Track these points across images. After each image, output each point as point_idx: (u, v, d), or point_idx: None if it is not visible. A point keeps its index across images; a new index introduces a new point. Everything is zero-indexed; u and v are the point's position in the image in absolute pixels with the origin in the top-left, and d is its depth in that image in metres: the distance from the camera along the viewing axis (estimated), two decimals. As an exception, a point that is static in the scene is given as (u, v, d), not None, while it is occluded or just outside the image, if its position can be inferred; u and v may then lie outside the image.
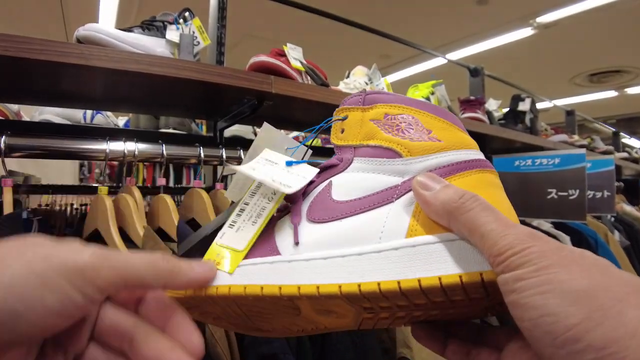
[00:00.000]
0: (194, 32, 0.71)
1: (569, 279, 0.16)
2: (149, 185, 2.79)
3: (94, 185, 1.47)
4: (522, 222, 1.09)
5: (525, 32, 3.29)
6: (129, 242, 0.56)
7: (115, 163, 1.73)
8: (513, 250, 0.18)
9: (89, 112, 1.07)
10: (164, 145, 0.61)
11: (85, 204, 1.04)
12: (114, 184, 2.23)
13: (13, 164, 1.38)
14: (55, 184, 1.33)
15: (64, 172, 2.25)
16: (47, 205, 1.40)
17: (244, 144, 1.07)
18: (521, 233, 0.19)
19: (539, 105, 1.62)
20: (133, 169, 0.62)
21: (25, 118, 1.19)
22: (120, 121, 1.27)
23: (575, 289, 0.16)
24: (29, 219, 1.10)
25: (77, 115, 1.04)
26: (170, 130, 1.17)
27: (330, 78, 1.07)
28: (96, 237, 0.59)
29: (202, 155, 0.64)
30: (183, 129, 1.24)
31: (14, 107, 1.10)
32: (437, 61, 3.75)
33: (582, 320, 0.15)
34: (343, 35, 2.53)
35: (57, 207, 1.27)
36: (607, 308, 0.15)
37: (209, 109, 0.85)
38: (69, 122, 1.02)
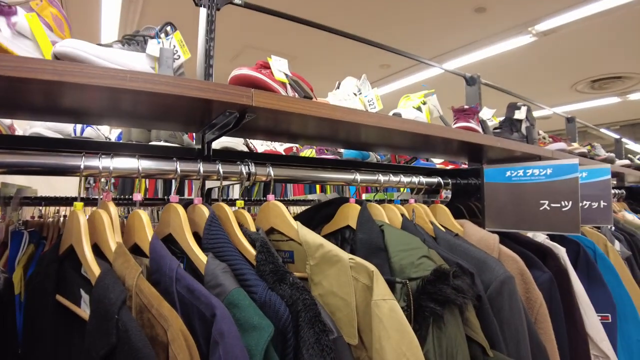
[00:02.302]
0: (174, 46, 0.71)
1: None
2: (150, 197, 2.83)
3: (87, 197, 1.47)
4: (516, 234, 1.07)
5: (525, 39, 3.28)
6: (102, 258, 0.55)
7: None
8: None
9: (79, 125, 1.08)
10: (140, 160, 0.60)
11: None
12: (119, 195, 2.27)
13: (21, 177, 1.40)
14: (49, 195, 1.32)
15: (69, 180, 2.28)
16: (40, 217, 1.40)
17: (234, 155, 1.07)
18: None
19: (541, 113, 1.60)
20: (117, 181, 0.61)
21: (19, 131, 1.20)
22: (114, 133, 1.28)
23: None
24: (19, 230, 1.10)
25: (68, 128, 1.05)
26: (161, 143, 1.17)
27: (332, 89, 1.07)
28: (72, 253, 0.59)
29: (178, 170, 0.63)
30: (174, 141, 1.24)
31: (7, 120, 1.11)
32: (437, 70, 3.76)
33: None
34: (344, 46, 2.55)
35: (50, 219, 1.27)
36: None
37: (194, 122, 0.85)
38: (59, 135, 1.03)
